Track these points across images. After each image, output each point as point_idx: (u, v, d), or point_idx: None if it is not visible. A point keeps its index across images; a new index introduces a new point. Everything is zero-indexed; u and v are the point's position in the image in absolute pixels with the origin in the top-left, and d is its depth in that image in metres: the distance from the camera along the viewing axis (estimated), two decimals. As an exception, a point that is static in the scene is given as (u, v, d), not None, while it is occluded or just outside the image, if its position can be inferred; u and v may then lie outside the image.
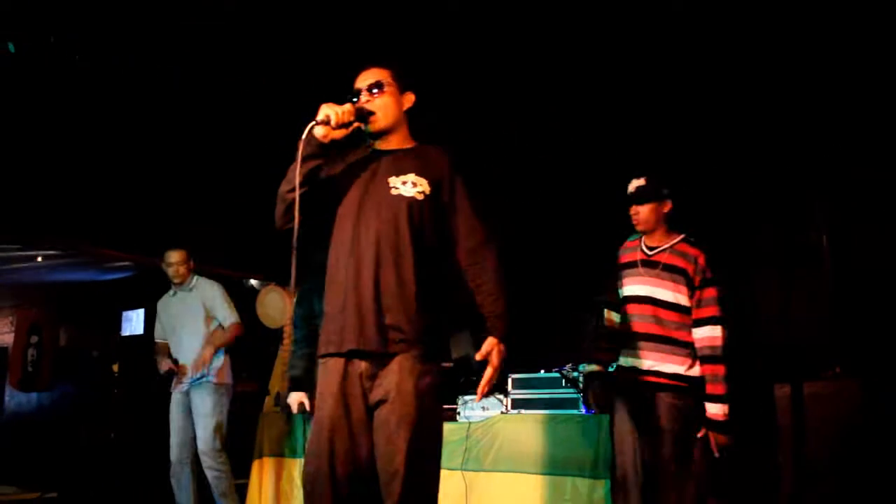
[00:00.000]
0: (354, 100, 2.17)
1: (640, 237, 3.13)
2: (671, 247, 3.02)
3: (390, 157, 2.22)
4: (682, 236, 3.06)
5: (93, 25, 3.35)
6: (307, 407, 3.73)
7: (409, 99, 2.28)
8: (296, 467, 4.55)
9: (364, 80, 2.23)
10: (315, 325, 3.17)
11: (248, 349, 4.68)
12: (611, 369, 3.58)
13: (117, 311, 8.38)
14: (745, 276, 4.33)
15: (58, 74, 3.65)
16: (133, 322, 8.33)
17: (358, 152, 2.28)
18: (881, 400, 3.23)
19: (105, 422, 6.91)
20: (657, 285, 3.00)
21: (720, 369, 2.88)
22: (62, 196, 4.72)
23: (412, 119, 2.30)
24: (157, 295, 4.73)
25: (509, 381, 4.09)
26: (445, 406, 3.96)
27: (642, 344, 3.00)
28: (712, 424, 2.88)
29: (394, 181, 2.15)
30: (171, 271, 4.42)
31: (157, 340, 4.64)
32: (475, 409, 4.16)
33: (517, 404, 4.03)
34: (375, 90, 2.20)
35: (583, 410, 3.79)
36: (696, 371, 2.93)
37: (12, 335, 8.86)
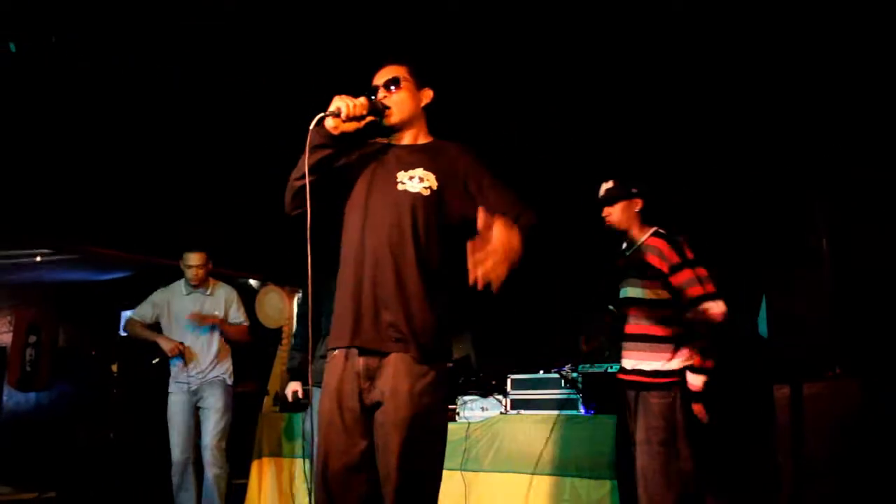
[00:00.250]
0: (372, 97, 2.17)
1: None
2: (641, 243, 3.09)
3: (401, 152, 2.22)
4: (652, 230, 3.11)
5: (93, 25, 3.34)
6: (300, 395, 3.76)
7: (428, 95, 2.28)
8: (295, 467, 4.56)
9: (381, 77, 2.23)
10: (317, 324, 3.18)
11: (248, 349, 4.66)
12: (612, 370, 3.62)
13: (116, 310, 8.36)
14: (744, 277, 4.33)
15: (57, 74, 3.64)
16: (131, 322, 8.31)
17: (374, 146, 2.27)
18: (881, 400, 3.23)
19: (104, 422, 6.90)
20: (632, 284, 3.07)
21: (703, 343, 2.91)
22: (60, 195, 4.71)
23: (432, 115, 2.30)
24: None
25: (508, 381, 4.09)
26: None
27: (625, 345, 3.10)
28: (691, 395, 2.91)
29: (401, 176, 2.15)
30: (190, 273, 4.37)
31: (136, 319, 4.44)
32: (474, 410, 4.16)
33: (516, 405, 4.03)
34: (392, 86, 2.21)
35: (582, 411, 3.79)
36: (675, 364, 2.95)
37: (10, 335, 8.85)
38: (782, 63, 3.82)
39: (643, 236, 3.11)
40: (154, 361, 4.57)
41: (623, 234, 3.17)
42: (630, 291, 3.07)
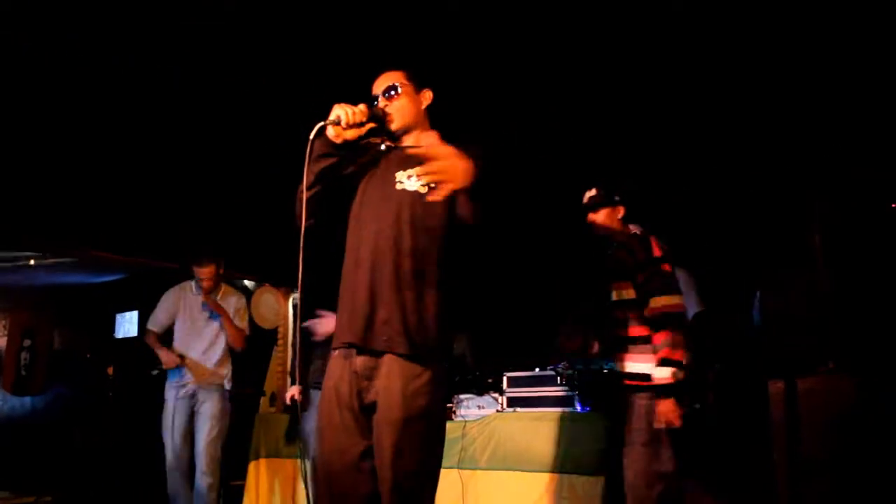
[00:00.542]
0: (373, 104, 2.19)
1: None
2: (617, 245, 3.17)
3: (401, 153, 2.23)
4: (631, 233, 3.17)
5: (93, 25, 3.33)
6: (298, 399, 3.77)
7: (427, 96, 2.30)
8: (293, 468, 4.56)
9: (380, 86, 2.25)
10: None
11: (244, 350, 4.65)
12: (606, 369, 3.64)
13: (111, 313, 8.35)
14: (739, 274, 4.35)
15: (56, 74, 3.64)
16: (127, 324, 8.28)
17: (378, 149, 2.29)
18: (876, 395, 3.25)
19: (100, 425, 6.89)
20: (612, 288, 3.13)
21: (666, 335, 2.90)
22: (55, 198, 4.69)
23: (434, 115, 2.31)
24: (151, 296, 4.67)
25: (505, 379, 4.10)
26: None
27: (615, 347, 3.14)
28: (658, 389, 2.88)
29: (400, 175, 2.16)
30: (202, 285, 4.39)
31: (152, 329, 4.45)
32: (471, 408, 4.17)
33: (512, 402, 4.04)
34: (391, 93, 2.22)
35: (578, 408, 3.80)
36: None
37: (5, 338, 8.81)
38: (779, 63, 3.84)
39: (622, 239, 3.18)
40: (153, 373, 4.57)
41: (607, 240, 3.25)
42: (613, 294, 3.13)
